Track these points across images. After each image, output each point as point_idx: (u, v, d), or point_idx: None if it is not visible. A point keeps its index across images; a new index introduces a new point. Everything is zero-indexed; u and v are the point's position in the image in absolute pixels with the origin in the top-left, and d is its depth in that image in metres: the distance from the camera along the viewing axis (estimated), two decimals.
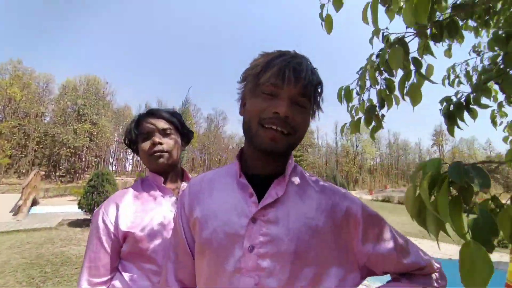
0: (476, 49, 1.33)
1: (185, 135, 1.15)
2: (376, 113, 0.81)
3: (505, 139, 1.31)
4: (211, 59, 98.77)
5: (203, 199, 0.65)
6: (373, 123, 0.86)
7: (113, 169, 37.83)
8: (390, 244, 0.59)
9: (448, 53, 1.19)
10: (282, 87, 0.56)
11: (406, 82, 0.67)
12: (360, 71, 0.83)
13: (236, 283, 0.54)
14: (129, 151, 1.14)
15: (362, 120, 0.96)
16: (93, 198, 7.47)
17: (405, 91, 0.66)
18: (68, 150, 33.81)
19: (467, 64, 1.28)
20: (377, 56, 0.75)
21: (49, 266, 4.49)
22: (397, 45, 0.64)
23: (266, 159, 0.61)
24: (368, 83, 0.84)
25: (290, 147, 0.59)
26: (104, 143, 38.46)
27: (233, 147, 54.46)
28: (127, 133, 1.05)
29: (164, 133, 1.04)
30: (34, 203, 11.64)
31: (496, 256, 5.91)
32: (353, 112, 0.89)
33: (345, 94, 0.84)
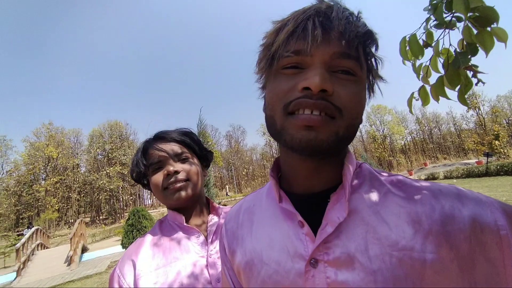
0: None
1: (204, 157, 0.93)
2: (467, 65, 0.53)
3: None
4: (218, 78, 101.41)
5: (243, 237, 0.50)
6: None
7: (149, 203, 39.28)
8: None
9: None
10: (309, 50, 0.36)
11: None
12: (431, 6, 0.55)
13: None
14: None
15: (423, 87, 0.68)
16: (133, 236, 7.64)
17: None
18: (106, 193, 35.86)
19: None
20: None
21: None
22: None
23: (310, 164, 0.41)
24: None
25: (341, 139, 0.38)
26: (134, 184, 40.16)
27: (257, 158, 54.44)
28: (134, 166, 0.85)
29: (179, 158, 0.83)
30: (84, 250, 12.24)
31: None
32: (423, 72, 0.61)
33: (412, 47, 0.57)
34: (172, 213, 0.83)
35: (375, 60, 0.42)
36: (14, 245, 11.49)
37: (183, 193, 0.78)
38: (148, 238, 0.80)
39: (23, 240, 10.90)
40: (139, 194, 40.95)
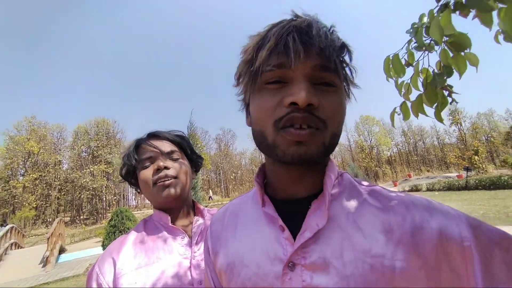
0: None
1: (195, 161, 0.94)
2: (444, 85, 0.58)
3: None
4: (210, 80, 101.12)
5: (227, 239, 0.51)
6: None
7: (133, 204, 38.21)
8: None
9: None
10: (290, 64, 0.38)
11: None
12: (412, 29, 0.60)
13: None
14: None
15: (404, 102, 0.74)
16: (115, 237, 7.38)
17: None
18: (88, 192, 34.62)
19: None
20: None
21: None
22: None
23: (295, 172, 0.44)
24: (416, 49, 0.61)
25: (327, 148, 0.41)
26: (121, 180, 39.09)
27: (246, 162, 54.29)
28: (125, 160, 0.84)
29: (169, 157, 0.83)
30: (62, 251, 11.72)
31: None
32: (404, 89, 0.66)
33: (394, 66, 0.62)
34: (158, 212, 0.82)
35: (350, 69, 0.45)
36: None
37: (172, 190, 0.78)
38: (131, 236, 0.79)
39: None
40: (123, 195, 39.82)
